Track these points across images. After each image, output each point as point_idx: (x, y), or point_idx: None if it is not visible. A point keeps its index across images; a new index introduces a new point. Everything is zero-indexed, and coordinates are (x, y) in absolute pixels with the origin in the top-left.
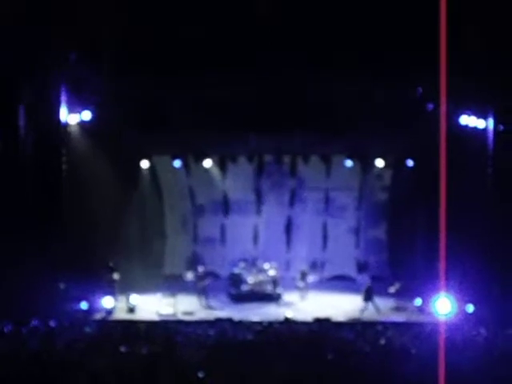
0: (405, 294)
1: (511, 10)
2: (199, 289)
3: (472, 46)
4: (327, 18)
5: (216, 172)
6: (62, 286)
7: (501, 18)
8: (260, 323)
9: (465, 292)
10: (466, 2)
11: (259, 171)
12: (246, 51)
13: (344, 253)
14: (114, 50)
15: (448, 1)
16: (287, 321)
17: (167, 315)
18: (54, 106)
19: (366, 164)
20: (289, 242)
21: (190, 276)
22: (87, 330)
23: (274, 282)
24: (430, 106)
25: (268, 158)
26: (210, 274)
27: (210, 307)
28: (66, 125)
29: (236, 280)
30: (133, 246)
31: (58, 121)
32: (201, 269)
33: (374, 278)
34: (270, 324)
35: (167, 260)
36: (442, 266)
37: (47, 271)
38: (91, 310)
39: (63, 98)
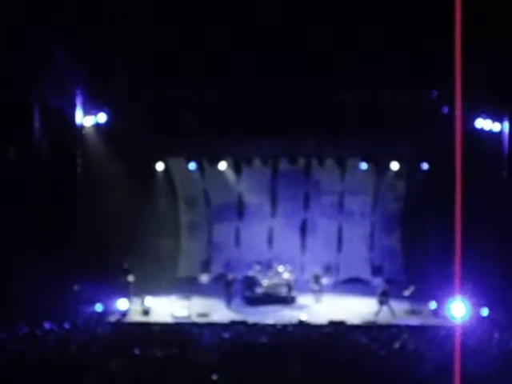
0: (419, 297)
1: None
2: (227, 294)
3: (487, 48)
4: (347, 20)
5: (231, 175)
6: (76, 288)
7: None
8: (274, 326)
9: (480, 295)
10: (481, 5)
11: (274, 174)
12: (261, 55)
13: (358, 256)
14: (129, 52)
15: (463, 3)
16: (301, 324)
17: (182, 317)
18: (69, 108)
19: (380, 167)
20: (303, 244)
21: (204, 278)
22: (102, 332)
23: (289, 285)
24: (446, 110)
25: (283, 160)
26: (235, 280)
27: (234, 310)
28: (82, 127)
29: (250, 283)
30: (147, 248)
31: (74, 123)
32: (230, 276)
33: (388, 281)
34: (285, 327)
35: (182, 262)
36: (456, 269)
37: (62, 273)
38: (106, 312)
39: (79, 100)
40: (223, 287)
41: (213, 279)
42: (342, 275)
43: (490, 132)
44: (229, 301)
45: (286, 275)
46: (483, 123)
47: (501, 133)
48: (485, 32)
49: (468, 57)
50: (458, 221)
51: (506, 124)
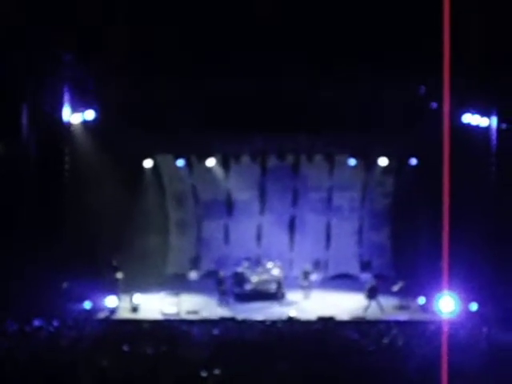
0: (408, 292)
1: None
2: (220, 291)
3: (475, 44)
4: (328, 18)
5: (219, 171)
6: (65, 285)
7: (504, 16)
8: (263, 322)
9: (468, 290)
10: (469, 1)
11: (262, 170)
12: (250, 52)
13: (347, 251)
14: (116, 50)
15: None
16: (291, 320)
17: (171, 314)
18: (56, 106)
19: (369, 163)
20: (292, 240)
21: (193, 275)
22: (90, 329)
23: (279, 281)
24: (434, 105)
25: (271, 157)
26: (229, 277)
27: (227, 306)
28: (69, 124)
29: (239, 279)
30: (136, 245)
31: (61, 120)
32: (222, 273)
33: (377, 277)
34: (274, 323)
35: (170, 259)
36: (445, 264)
37: (50, 271)
38: (94, 310)
39: (66, 97)
40: (215, 285)
41: (202, 276)
42: (331, 271)
43: (478, 127)
44: (222, 298)
45: (276, 271)
46: (471, 118)
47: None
48: (473, 27)
49: (456, 52)
50: (445, 216)
51: (494, 119)
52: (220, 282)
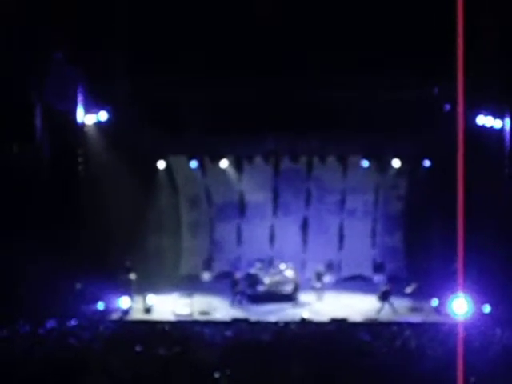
0: (421, 294)
1: None
2: (234, 293)
3: (489, 45)
4: (344, 18)
5: (232, 173)
6: (78, 286)
7: None
8: (276, 324)
9: (481, 292)
10: (483, 2)
11: (275, 172)
12: (262, 53)
13: (360, 253)
14: (129, 50)
15: (465, 1)
16: (303, 321)
17: (184, 315)
18: (70, 107)
19: (382, 165)
20: (305, 242)
21: (206, 276)
22: (104, 330)
23: (295, 283)
24: (447, 107)
25: (284, 158)
26: (242, 279)
27: (240, 307)
28: (83, 125)
29: (252, 280)
30: (149, 246)
31: (75, 121)
32: (238, 275)
33: (390, 279)
34: (287, 324)
35: (184, 260)
36: (458, 266)
37: (64, 272)
38: (108, 311)
39: (80, 98)
40: (230, 286)
41: (215, 277)
42: (344, 273)
43: (492, 129)
44: (235, 299)
45: (289, 273)
46: (485, 120)
47: (502, 129)
48: (486, 29)
49: (469, 53)
50: (460, 218)
51: (508, 121)
52: (235, 283)
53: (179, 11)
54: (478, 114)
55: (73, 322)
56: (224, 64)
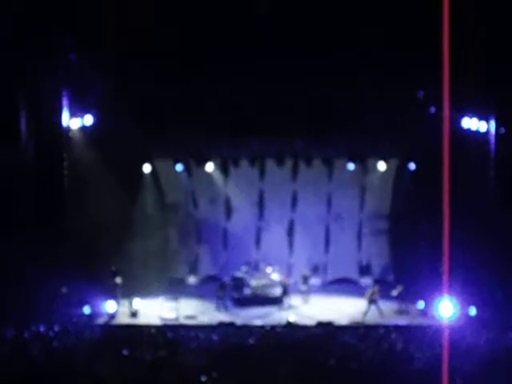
0: (407, 297)
1: None
2: (219, 297)
3: (474, 48)
4: (326, 19)
5: (218, 176)
6: (64, 290)
7: (503, 21)
8: (262, 327)
9: (467, 295)
10: (468, 5)
11: (261, 175)
12: (247, 55)
13: (346, 256)
14: (114, 53)
15: (451, 3)
16: (290, 325)
17: (170, 319)
18: (55, 111)
19: (368, 167)
20: (291, 245)
21: (192, 280)
22: (90, 334)
23: (284, 286)
24: (433, 109)
25: (270, 161)
26: (230, 284)
27: (226, 311)
28: (68, 129)
29: (238, 284)
30: (135, 249)
31: (60, 125)
32: (226, 279)
33: (376, 281)
34: (273, 328)
35: (170, 264)
36: (444, 268)
37: (50, 276)
38: (94, 315)
39: (65, 102)
40: (216, 290)
41: (201, 281)
42: (330, 275)
43: (477, 131)
44: (220, 303)
45: (275, 276)
46: (470, 123)
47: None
48: (472, 32)
49: (455, 57)
50: (445, 220)
51: (493, 123)
52: (221, 287)
53: (166, 11)
54: (464, 116)
55: (58, 327)
56: (210, 69)
